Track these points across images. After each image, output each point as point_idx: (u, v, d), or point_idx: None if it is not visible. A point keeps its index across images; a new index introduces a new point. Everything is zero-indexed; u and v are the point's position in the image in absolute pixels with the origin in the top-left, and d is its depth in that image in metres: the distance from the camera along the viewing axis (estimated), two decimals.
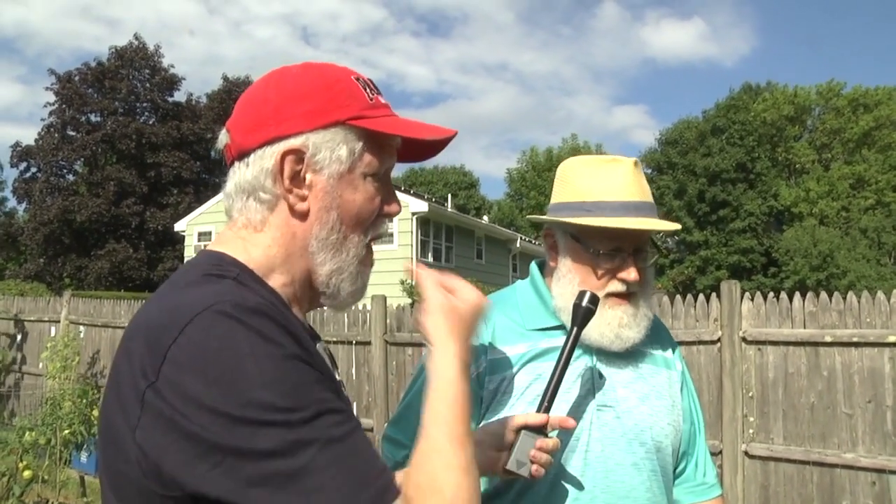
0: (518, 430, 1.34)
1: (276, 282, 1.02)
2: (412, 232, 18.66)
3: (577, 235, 1.55)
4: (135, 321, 0.95)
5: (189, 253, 21.68)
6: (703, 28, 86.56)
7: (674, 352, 1.71)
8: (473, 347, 1.49)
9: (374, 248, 1.12)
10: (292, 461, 0.81)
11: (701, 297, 5.54)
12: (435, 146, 1.16)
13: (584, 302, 1.43)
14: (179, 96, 32.82)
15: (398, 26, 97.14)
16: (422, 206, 18.98)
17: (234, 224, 1.06)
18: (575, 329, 1.44)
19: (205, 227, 21.31)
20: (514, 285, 1.72)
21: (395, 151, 1.10)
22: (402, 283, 16.82)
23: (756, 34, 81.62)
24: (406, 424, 1.54)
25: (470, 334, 1.10)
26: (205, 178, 32.81)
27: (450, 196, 28.60)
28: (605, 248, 1.52)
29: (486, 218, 30.40)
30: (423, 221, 19.41)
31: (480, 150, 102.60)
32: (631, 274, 1.52)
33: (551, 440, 1.35)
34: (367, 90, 1.06)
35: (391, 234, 18.17)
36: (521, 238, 25.84)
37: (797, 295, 5.25)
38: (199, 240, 21.29)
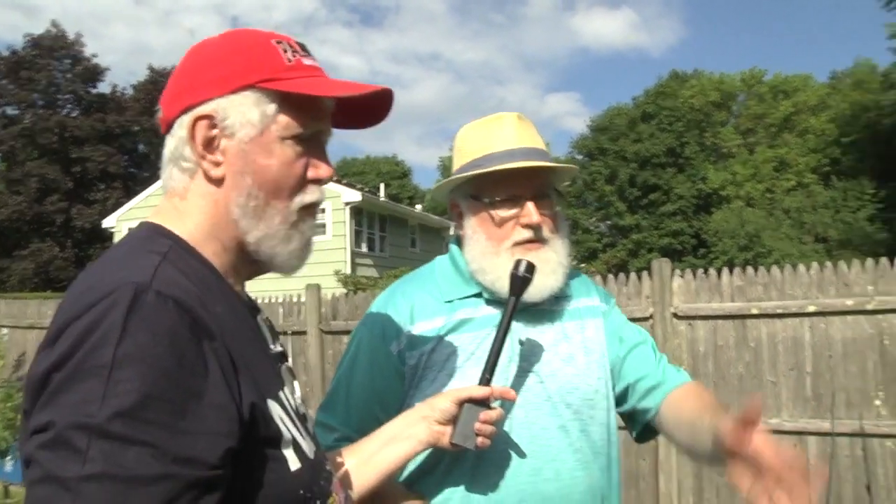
0: (461, 404, 1.35)
1: (209, 251, 1.01)
2: (346, 222, 18.57)
3: (475, 193, 1.56)
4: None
5: None
6: (632, 18, 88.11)
7: (598, 297, 1.70)
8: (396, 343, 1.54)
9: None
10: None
11: (633, 275, 5.64)
12: (377, 111, 1.14)
13: (521, 271, 1.44)
14: (104, 87, 31.97)
15: (330, 17, 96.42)
16: (355, 195, 18.88)
17: (168, 196, 1.05)
18: (513, 299, 1.44)
19: (135, 222, 20.40)
20: (433, 261, 1.72)
21: (325, 115, 1.08)
22: (337, 273, 16.75)
23: (683, 24, 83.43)
24: (334, 408, 1.55)
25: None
26: (133, 173, 32.06)
27: (382, 186, 28.50)
28: (501, 195, 1.52)
29: (419, 207, 30.38)
30: (357, 211, 19.31)
31: (413, 139, 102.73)
32: (533, 217, 1.51)
33: (495, 411, 1.37)
34: (288, 53, 1.04)
35: (323, 225, 18.04)
36: (454, 226, 25.88)
37: (725, 270, 5.41)
38: None
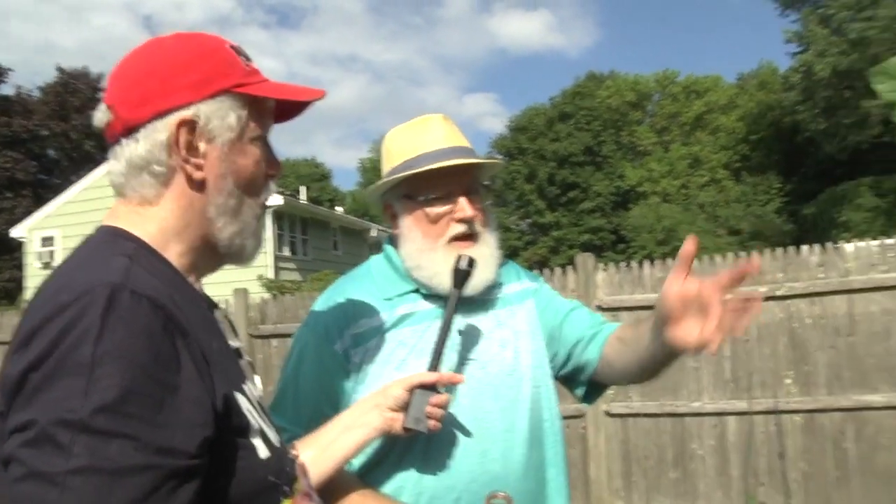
0: (412, 390, 1.41)
1: (173, 252, 1.03)
2: (268, 226, 18.34)
3: (409, 193, 1.61)
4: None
5: (30, 261, 20.32)
6: (549, 19, 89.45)
7: (528, 278, 1.78)
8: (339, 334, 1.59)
9: None
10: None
11: (558, 270, 5.79)
12: (300, 107, 1.20)
13: (463, 265, 1.52)
14: (7, 89, 30.64)
15: (247, 17, 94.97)
16: (276, 199, 18.59)
17: (127, 201, 1.05)
18: (456, 292, 1.51)
19: (48, 231, 20.01)
20: (368, 260, 1.77)
21: (272, 114, 1.14)
22: (260, 277, 16.58)
23: (599, 26, 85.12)
24: (283, 409, 1.57)
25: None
26: (43, 179, 30.91)
27: (303, 189, 28.26)
28: (435, 193, 1.58)
29: (340, 209, 30.21)
30: (279, 215, 19.11)
31: (332, 141, 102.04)
32: (467, 211, 1.57)
33: (444, 395, 1.43)
34: (242, 57, 1.09)
35: None
36: (376, 228, 25.88)
37: (647, 263, 5.62)
38: (43, 245, 19.96)
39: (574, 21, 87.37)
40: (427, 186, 1.59)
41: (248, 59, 1.10)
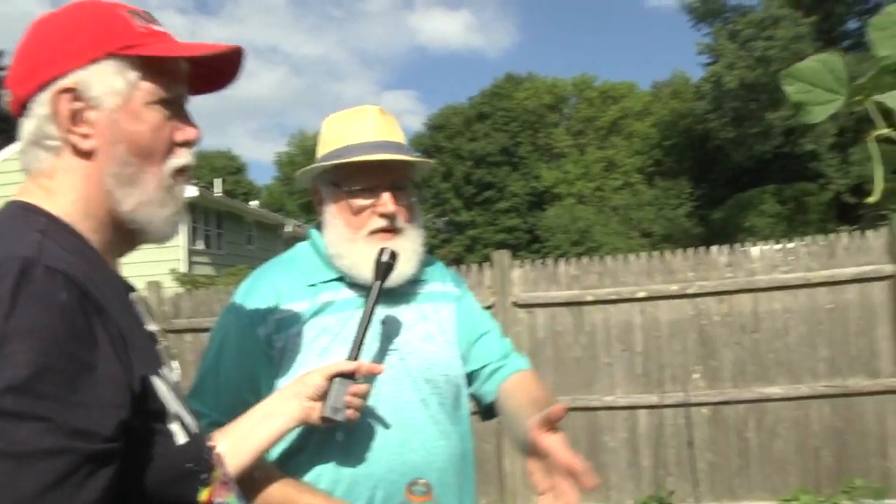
0: (331, 379, 1.40)
1: (84, 228, 0.99)
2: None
3: (335, 181, 1.62)
4: None
5: None
6: (470, 20, 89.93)
7: (452, 282, 1.81)
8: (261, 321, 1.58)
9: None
10: None
11: (474, 266, 5.85)
12: (226, 72, 1.14)
13: (385, 258, 1.53)
14: None
15: (163, 1, 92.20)
16: (190, 191, 18.18)
17: (33, 178, 1.01)
18: (377, 284, 1.52)
19: None
20: (294, 247, 1.76)
21: (183, 78, 1.08)
22: (173, 272, 16.17)
23: (519, 29, 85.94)
24: (203, 394, 1.56)
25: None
26: None
27: (218, 181, 27.65)
28: (359, 185, 1.59)
29: (255, 203, 29.71)
30: (192, 207, 18.63)
31: (249, 133, 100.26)
32: (388, 206, 1.58)
33: (363, 385, 1.44)
34: (137, 20, 1.03)
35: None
36: (292, 223, 25.55)
37: (562, 260, 5.74)
38: None
39: (494, 22, 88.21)
40: (352, 177, 1.60)
41: (150, 21, 1.05)
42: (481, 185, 37.01)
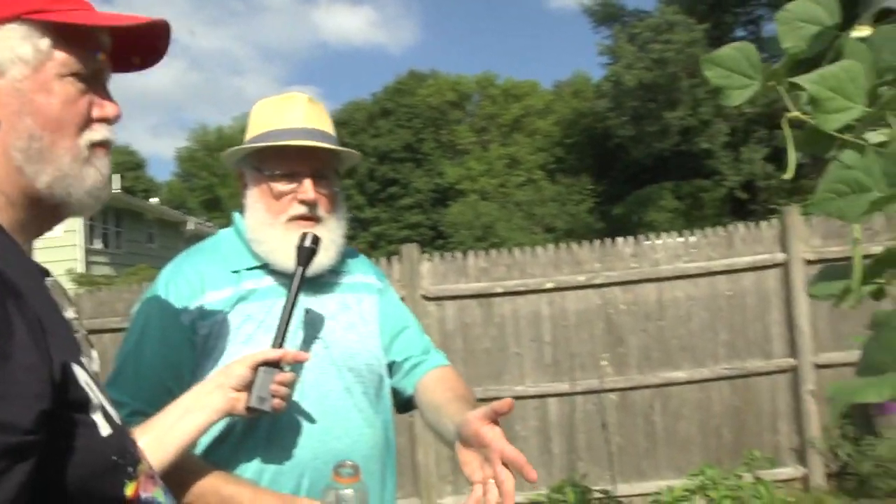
0: (256, 368, 1.39)
1: None
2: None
3: (258, 165, 1.62)
4: None
5: None
6: (373, 16, 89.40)
7: (374, 275, 1.83)
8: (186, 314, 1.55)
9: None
10: None
11: (383, 260, 5.84)
12: (151, 51, 1.08)
13: (307, 243, 1.53)
14: None
15: None
16: None
17: None
18: (300, 270, 1.52)
19: None
20: (217, 233, 1.75)
21: (104, 51, 1.01)
22: (69, 272, 15.58)
23: (422, 26, 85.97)
24: (123, 383, 1.53)
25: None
26: None
27: (117, 178, 26.75)
28: (280, 169, 1.60)
29: (155, 200, 28.89)
30: None
31: (147, 128, 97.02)
32: (309, 193, 1.59)
33: (289, 374, 1.43)
34: None
35: None
36: (193, 221, 24.95)
37: (471, 253, 5.81)
38: None
39: (397, 19, 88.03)
40: (275, 162, 1.60)
41: None
42: (385, 181, 36.95)
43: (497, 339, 5.63)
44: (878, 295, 1.14)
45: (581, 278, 5.58)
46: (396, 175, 36.70)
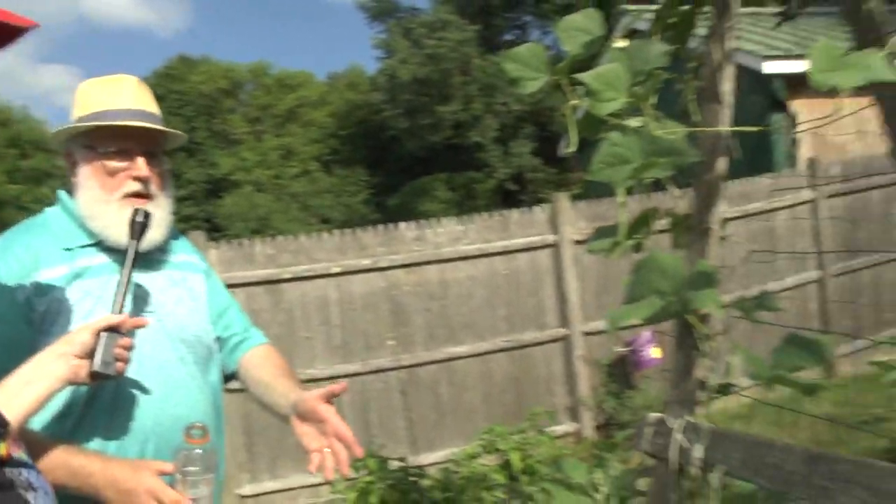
0: (98, 334, 1.42)
1: None
2: None
3: (90, 143, 1.68)
4: None
5: None
6: None
7: (197, 256, 1.94)
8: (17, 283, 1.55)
9: None
10: None
11: None
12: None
13: (139, 218, 1.61)
14: None
15: None
16: None
17: None
18: (134, 243, 1.60)
19: None
20: (44, 212, 1.76)
21: None
22: None
23: (192, 9, 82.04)
24: None
25: None
26: None
27: None
28: (114, 147, 1.66)
29: None
30: None
31: None
32: (143, 170, 1.67)
33: (129, 339, 1.49)
34: None
35: None
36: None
37: (258, 239, 5.85)
38: None
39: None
40: (109, 141, 1.67)
41: None
42: None
43: (286, 324, 5.72)
44: (638, 248, 1.44)
45: (366, 262, 5.80)
46: (168, 166, 35.13)
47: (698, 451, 1.28)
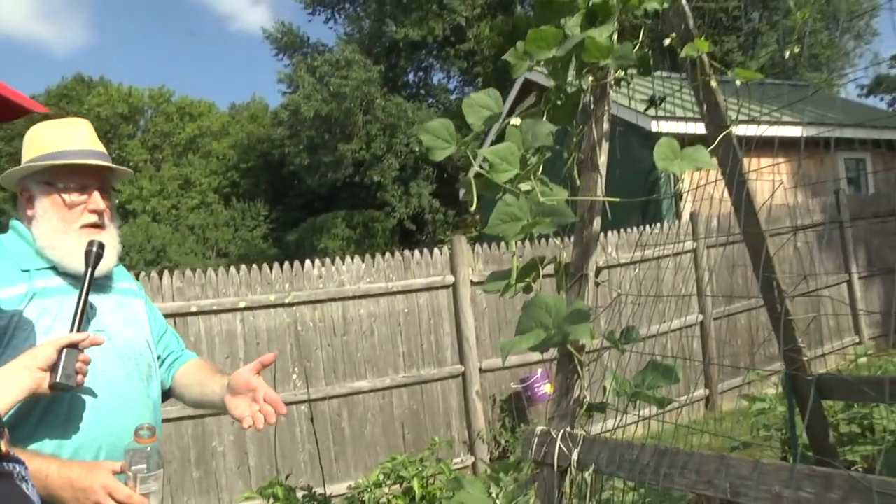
0: (61, 350, 1.59)
1: None
2: None
3: (49, 180, 1.88)
4: None
5: None
6: (35, 7, 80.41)
7: (135, 284, 2.15)
8: None
9: None
10: None
11: None
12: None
13: (94, 248, 1.81)
14: None
15: None
16: None
17: None
18: (90, 271, 1.79)
19: None
20: None
21: None
22: None
23: (91, 28, 79.30)
24: None
25: None
26: None
27: None
28: (73, 183, 1.86)
29: None
30: None
31: None
32: (99, 203, 1.88)
33: (87, 355, 1.67)
34: None
35: None
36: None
37: (166, 273, 5.90)
38: None
39: (64, 14, 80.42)
40: (68, 177, 1.88)
41: None
42: None
43: None
44: (528, 289, 1.74)
45: (272, 298, 5.97)
46: None
47: (575, 455, 1.58)
